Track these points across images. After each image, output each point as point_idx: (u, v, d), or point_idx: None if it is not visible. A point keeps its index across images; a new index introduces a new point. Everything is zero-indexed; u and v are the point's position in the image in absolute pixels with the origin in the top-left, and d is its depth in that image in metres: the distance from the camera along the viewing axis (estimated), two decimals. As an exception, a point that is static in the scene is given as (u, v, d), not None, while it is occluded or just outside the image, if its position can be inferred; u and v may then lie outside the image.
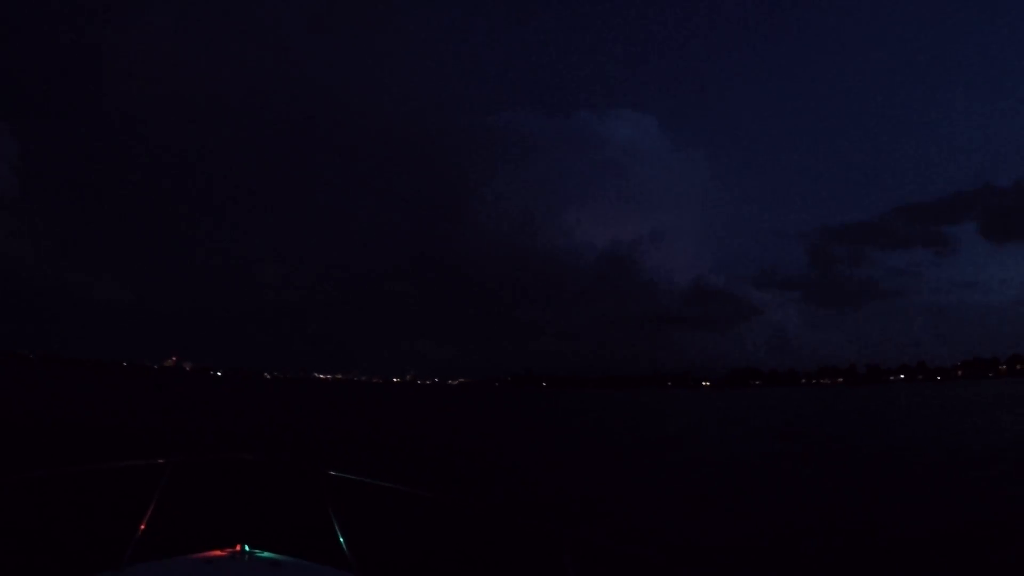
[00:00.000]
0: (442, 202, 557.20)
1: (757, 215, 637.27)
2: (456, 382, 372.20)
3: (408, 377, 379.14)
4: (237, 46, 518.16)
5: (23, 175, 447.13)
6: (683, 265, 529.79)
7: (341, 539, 4.71)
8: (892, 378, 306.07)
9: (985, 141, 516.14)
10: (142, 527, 4.46)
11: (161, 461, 4.72)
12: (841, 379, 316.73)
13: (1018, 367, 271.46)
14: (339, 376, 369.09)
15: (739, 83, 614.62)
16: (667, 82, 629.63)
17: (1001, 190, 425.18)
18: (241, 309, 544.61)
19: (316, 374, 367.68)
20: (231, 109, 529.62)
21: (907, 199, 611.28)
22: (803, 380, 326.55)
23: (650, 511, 18.12)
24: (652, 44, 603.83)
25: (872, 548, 13.74)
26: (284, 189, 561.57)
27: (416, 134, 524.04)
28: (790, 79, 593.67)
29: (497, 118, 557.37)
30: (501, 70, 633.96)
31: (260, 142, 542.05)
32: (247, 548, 4.89)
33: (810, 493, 21.10)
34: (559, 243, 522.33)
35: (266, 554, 4.84)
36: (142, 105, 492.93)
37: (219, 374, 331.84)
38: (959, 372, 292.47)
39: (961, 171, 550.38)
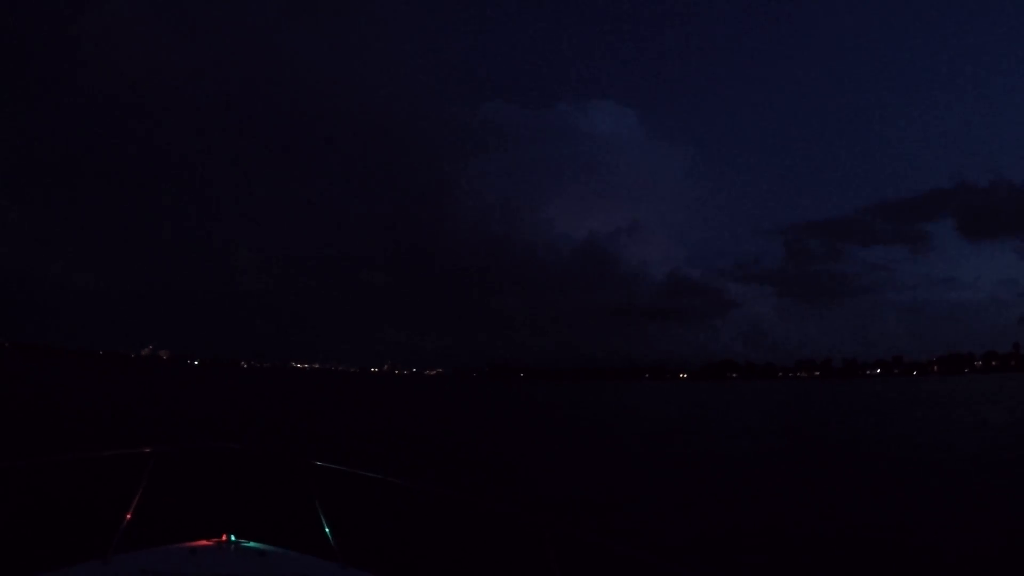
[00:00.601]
0: (420, 192, 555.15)
1: (735, 209, 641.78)
2: (433, 372, 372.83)
3: (385, 367, 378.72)
4: (213, 34, 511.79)
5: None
6: (660, 258, 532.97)
7: (327, 529, 4.74)
8: (868, 372, 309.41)
9: (961, 139, 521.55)
10: (128, 516, 4.44)
11: (147, 450, 4.72)
12: (818, 372, 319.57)
13: (993, 363, 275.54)
14: (316, 365, 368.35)
15: (718, 77, 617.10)
16: (646, 75, 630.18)
17: (977, 188, 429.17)
18: (217, 298, 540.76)
19: (293, 363, 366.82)
20: (206, 96, 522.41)
21: (883, 196, 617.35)
22: (780, 373, 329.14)
23: (635, 505, 18.03)
24: (631, 37, 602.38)
25: (854, 541, 13.77)
26: (261, 177, 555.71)
27: (394, 124, 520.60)
28: (769, 74, 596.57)
29: (476, 109, 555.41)
30: (480, 62, 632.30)
31: (237, 129, 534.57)
32: (233, 538, 4.89)
33: (796, 487, 20.99)
34: (537, 234, 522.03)
35: (252, 544, 4.84)
36: (116, 93, 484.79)
37: (196, 363, 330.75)
38: (935, 367, 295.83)
39: (938, 169, 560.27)
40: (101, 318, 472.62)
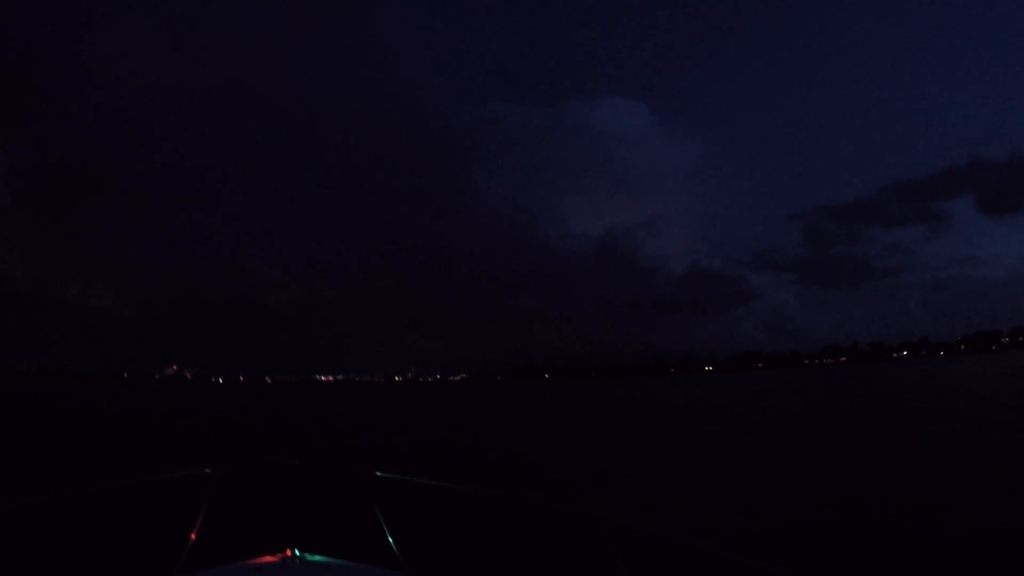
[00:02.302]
0: (433, 196, 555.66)
1: (750, 198, 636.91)
2: (458, 378, 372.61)
3: (409, 375, 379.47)
4: (222, 48, 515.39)
5: (13, 188, 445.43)
6: (679, 250, 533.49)
7: (390, 539, 4.72)
8: (895, 355, 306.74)
9: (977, 114, 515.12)
10: (192, 537, 4.47)
11: (208, 470, 4.73)
12: (844, 358, 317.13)
13: (1021, 339, 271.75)
14: (340, 377, 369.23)
15: (728, 66, 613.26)
16: (655, 68, 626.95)
17: (994, 164, 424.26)
18: (236, 314, 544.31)
19: (318, 376, 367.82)
20: (218, 113, 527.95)
21: (900, 176, 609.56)
22: (806, 361, 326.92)
23: (692, 500, 17.66)
24: (638, 31, 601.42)
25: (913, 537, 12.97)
26: (274, 188, 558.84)
27: (405, 129, 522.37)
28: (778, 60, 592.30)
29: (486, 110, 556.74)
30: (488, 62, 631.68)
31: (248, 144, 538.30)
32: (297, 552, 4.88)
33: (855, 473, 20.28)
34: (554, 233, 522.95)
35: (317, 557, 4.85)
36: (131, 112, 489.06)
37: (220, 380, 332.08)
38: (962, 347, 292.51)
39: (953, 146, 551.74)
40: (121, 340, 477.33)
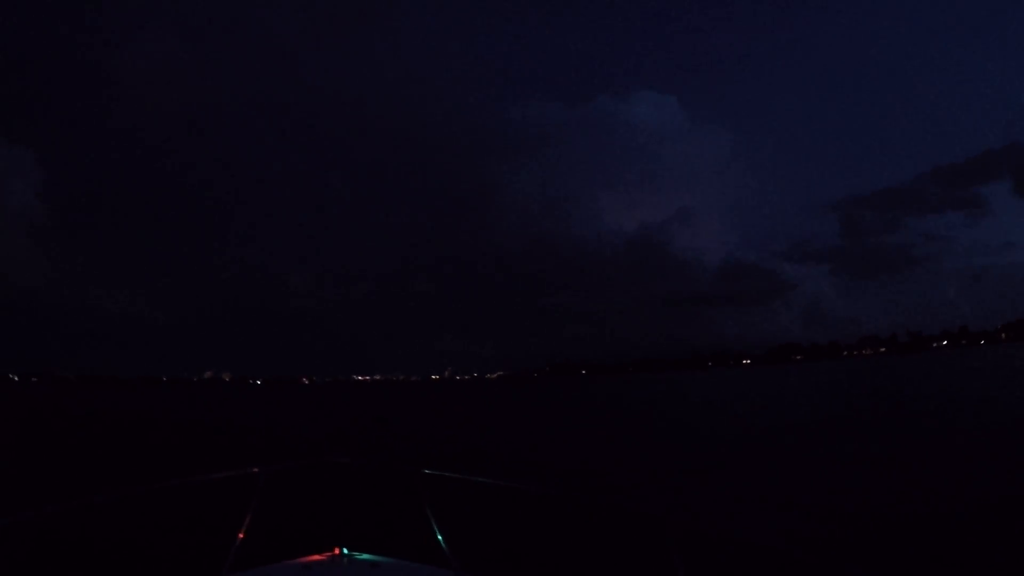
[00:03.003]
0: (466, 198, 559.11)
1: (784, 189, 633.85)
2: (495, 376, 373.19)
3: (446, 374, 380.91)
4: (247, 58, 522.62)
5: (49, 201, 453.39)
6: (713, 244, 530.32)
7: (440, 537, 4.70)
8: (935, 344, 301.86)
9: (1011, 98, 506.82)
10: (240, 536, 4.52)
11: (255, 470, 4.76)
12: (883, 348, 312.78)
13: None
14: (378, 377, 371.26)
15: (758, 57, 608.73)
16: (685, 61, 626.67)
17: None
18: (272, 318, 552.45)
19: (355, 376, 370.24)
20: (247, 120, 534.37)
21: (935, 162, 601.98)
22: (844, 352, 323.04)
23: (743, 496, 17.37)
24: (668, 24, 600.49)
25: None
26: (305, 196, 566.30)
27: (434, 131, 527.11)
28: (809, 49, 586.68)
29: (516, 110, 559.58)
30: (516, 61, 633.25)
31: (279, 151, 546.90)
32: (346, 551, 4.96)
33: (908, 466, 19.96)
34: (587, 229, 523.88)
35: (365, 556, 4.91)
36: (160, 123, 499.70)
37: (258, 382, 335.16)
38: (1002, 335, 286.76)
39: (988, 130, 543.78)
40: (158, 345, 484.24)
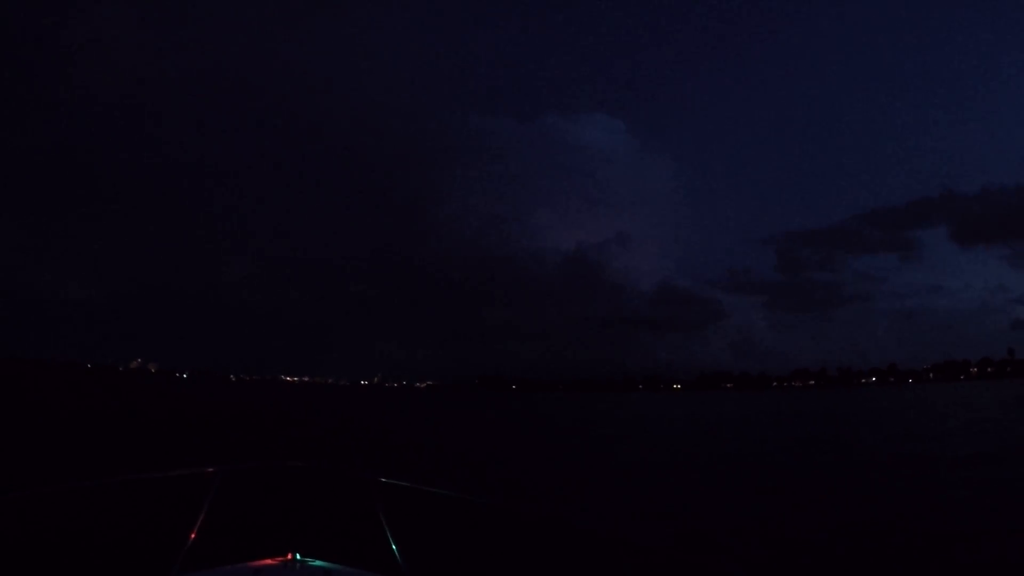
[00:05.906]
0: (409, 204, 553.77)
1: (724, 220, 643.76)
2: (424, 384, 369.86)
3: (376, 379, 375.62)
4: (205, 41, 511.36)
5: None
6: (650, 268, 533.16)
7: (393, 546, 4.66)
8: (864, 380, 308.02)
9: (951, 146, 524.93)
10: (192, 536, 4.45)
11: (210, 470, 4.70)
12: (812, 381, 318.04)
13: (989, 369, 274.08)
14: (306, 378, 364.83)
15: (707, 88, 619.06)
16: (635, 86, 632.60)
17: (967, 195, 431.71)
18: (204, 310, 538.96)
19: (284, 376, 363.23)
20: (195, 103, 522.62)
21: (874, 204, 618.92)
22: (774, 383, 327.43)
23: (679, 513, 17.84)
24: (620, 48, 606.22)
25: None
26: (249, 185, 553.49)
27: (385, 134, 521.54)
28: (757, 85, 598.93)
29: (466, 120, 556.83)
30: (470, 73, 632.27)
31: (224, 141, 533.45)
32: (299, 556, 4.87)
33: (826, 495, 20.42)
34: (526, 245, 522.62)
35: (318, 562, 4.82)
36: (106, 104, 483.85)
37: (184, 376, 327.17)
38: (930, 375, 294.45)
39: (927, 176, 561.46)
40: (88, 329, 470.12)
